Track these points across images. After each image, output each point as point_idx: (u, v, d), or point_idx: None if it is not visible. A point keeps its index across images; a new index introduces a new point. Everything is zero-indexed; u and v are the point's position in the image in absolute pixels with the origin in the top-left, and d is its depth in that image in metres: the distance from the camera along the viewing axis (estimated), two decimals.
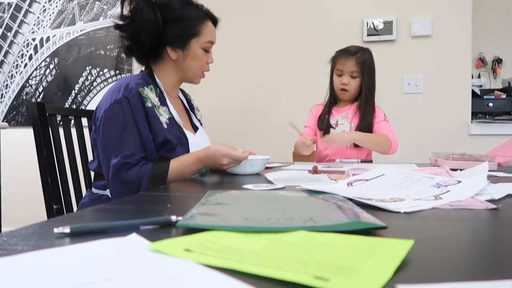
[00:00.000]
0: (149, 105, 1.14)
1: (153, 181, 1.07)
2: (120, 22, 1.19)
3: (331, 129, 1.68)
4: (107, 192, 1.16)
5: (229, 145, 1.11)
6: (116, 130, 1.09)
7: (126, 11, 1.18)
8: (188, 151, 1.19)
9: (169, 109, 1.20)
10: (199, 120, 1.42)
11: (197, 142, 1.23)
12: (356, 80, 1.62)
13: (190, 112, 1.39)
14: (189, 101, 1.43)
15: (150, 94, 1.16)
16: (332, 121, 1.69)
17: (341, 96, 1.69)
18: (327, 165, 1.41)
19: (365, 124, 1.61)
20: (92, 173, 1.40)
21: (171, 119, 1.19)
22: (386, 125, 1.64)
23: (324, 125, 1.67)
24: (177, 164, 1.11)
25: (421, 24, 2.30)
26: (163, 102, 1.20)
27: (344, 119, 1.68)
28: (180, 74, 1.27)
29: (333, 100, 1.72)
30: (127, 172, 1.07)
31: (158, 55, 1.25)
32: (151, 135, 1.13)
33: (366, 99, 1.63)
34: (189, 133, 1.24)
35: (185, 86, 1.38)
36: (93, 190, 1.21)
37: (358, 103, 1.66)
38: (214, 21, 1.28)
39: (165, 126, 1.16)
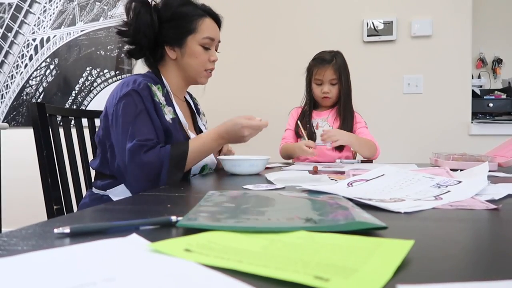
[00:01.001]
0: (157, 100, 1.14)
1: (175, 162, 1.03)
2: (121, 28, 1.20)
3: (317, 130, 1.71)
4: (108, 192, 1.15)
5: (245, 115, 1.10)
6: (129, 120, 1.07)
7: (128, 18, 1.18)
8: None
9: (174, 110, 1.19)
10: (204, 125, 1.41)
11: None
12: (336, 86, 1.67)
13: (196, 116, 1.38)
14: (196, 105, 1.42)
15: (157, 92, 1.16)
16: (313, 123, 1.72)
17: (323, 104, 1.73)
18: (327, 165, 1.41)
19: (347, 128, 1.66)
20: (93, 174, 1.40)
21: (175, 119, 1.18)
22: (367, 132, 1.70)
23: (306, 129, 1.69)
24: (197, 143, 1.09)
25: (421, 25, 2.30)
26: (169, 103, 1.19)
27: (325, 122, 1.72)
28: (182, 73, 1.26)
29: (312, 105, 1.75)
30: (145, 154, 1.03)
31: (161, 57, 1.24)
32: (160, 126, 1.11)
33: (344, 103, 1.68)
34: (192, 136, 1.23)
35: (194, 89, 1.37)
36: (94, 190, 1.21)
37: (338, 108, 1.71)
38: (216, 19, 1.27)
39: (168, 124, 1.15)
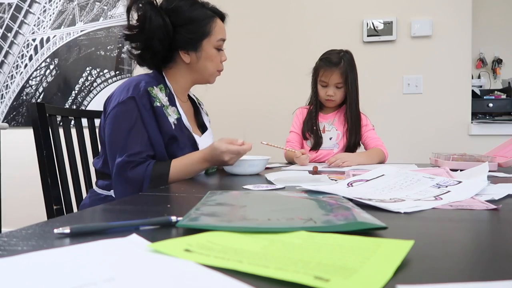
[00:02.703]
0: (158, 104, 1.13)
1: (155, 182, 1.06)
2: (129, 32, 1.17)
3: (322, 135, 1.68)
4: (111, 192, 1.15)
5: (228, 139, 1.08)
6: (123, 129, 1.08)
7: (133, 20, 1.16)
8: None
9: (178, 110, 1.19)
10: (208, 122, 1.40)
11: (204, 145, 1.22)
12: (341, 89, 1.63)
13: (201, 111, 1.37)
14: (199, 105, 1.41)
15: (159, 94, 1.15)
16: (319, 126, 1.69)
17: (327, 105, 1.69)
18: (327, 165, 1.41)
19: (354, 131, 1.64)
20: (93, 174, 1.40)
21: (179, 119, 1.18)
22: (375, 134, 1.67)
23: (313, 133, 1.66)
24: (181, 164, 1.10)
25: (421, 25, 2.30)
26: (172, 103, 1.19)
27: (331, 125, 1.69)
28: (194, 76, 1.26)
29: (319, 106, 1.71)
30: (132, 170, 1.06)
31: (171, 60, 1.23)
32: (159, 134, 1.12)
33: (351, 106, 1.64)
34: (196, 136, 1.23)
35: (195, 89, 1.37)
36: (96, 189, 1.20)
37: (344, 111, 1.67)
38: (222, 17, 1.26)
39: (173, 126, 1.15)
